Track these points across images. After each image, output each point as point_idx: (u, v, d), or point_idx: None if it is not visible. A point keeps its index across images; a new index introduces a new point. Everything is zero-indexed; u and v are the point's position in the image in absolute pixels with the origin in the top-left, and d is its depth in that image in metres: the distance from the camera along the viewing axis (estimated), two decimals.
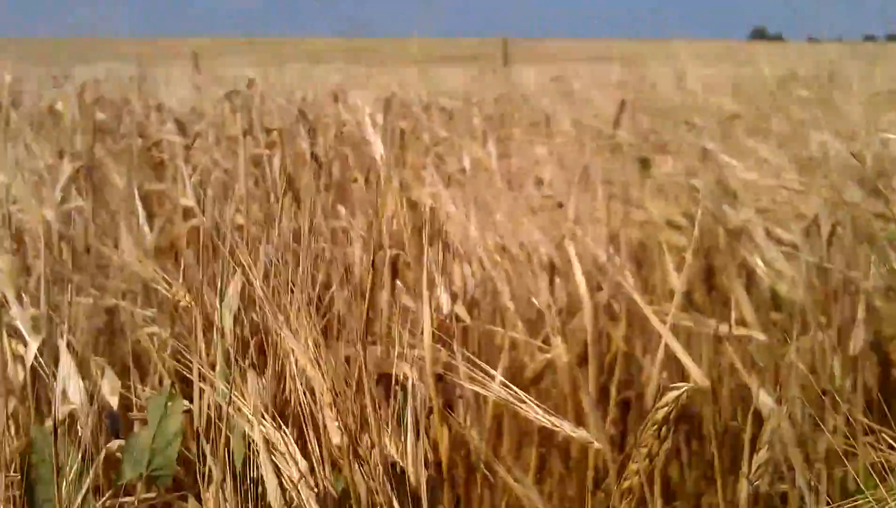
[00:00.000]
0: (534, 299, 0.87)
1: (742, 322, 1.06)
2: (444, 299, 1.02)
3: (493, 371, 0.70)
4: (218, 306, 0.87)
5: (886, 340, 1.01)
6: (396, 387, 0.98)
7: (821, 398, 0.94)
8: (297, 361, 0.75)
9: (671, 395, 0.59)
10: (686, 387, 0.59)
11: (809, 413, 0.88)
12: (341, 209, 1.52)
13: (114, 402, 0.89)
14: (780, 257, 1.06)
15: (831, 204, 1.07)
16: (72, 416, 0.81)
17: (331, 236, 1.49)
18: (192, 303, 0.87)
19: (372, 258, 1.06)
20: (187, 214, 1.45)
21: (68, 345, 0.86)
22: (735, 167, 1.30)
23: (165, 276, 0.91)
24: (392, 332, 1.17)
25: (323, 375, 0.71)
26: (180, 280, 1.08)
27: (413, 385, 0.79)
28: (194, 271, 1.16)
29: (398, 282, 1.30)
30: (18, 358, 0.93)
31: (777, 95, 2.38)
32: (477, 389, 0.70)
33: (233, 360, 0.81)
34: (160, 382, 1.08)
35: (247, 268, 0.86)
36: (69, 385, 0.84)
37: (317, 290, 1.50)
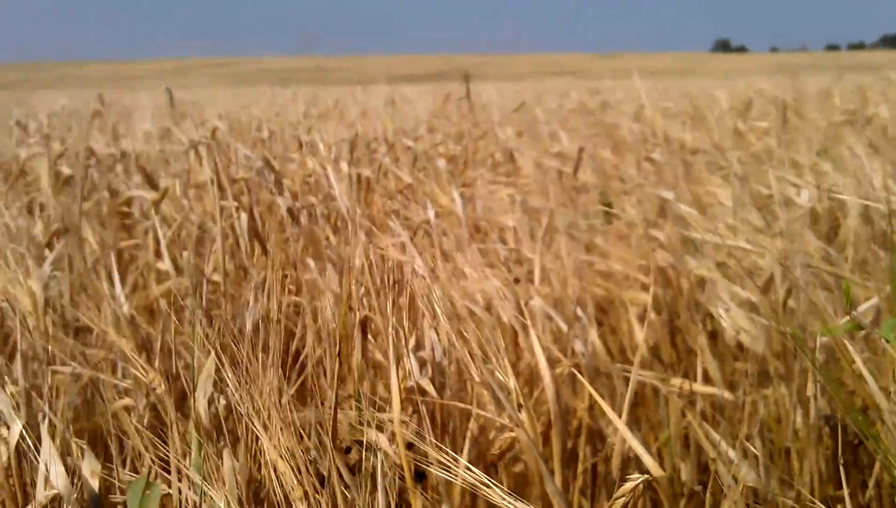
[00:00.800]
0: (497, 374, 0.89)
1: (706, 377, 1.10)
2: (412, 366, 1.05)
3: (458, 457, 0.73)
4: (192, 390, 0.89)
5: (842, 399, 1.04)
6: (368, 454, 1.00)
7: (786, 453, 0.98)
8: (268, 452, 0.77)
9: (627, 486, 0.62)
10: (641, 479, 0.62)
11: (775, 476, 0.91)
12: (311, 262, 1.54)
13: (94, 484, 0.91)
14: (740, 313, 1.09)
15: (787, 259, 1.10)
16: (55, 499, 0.83)
17: (303, 288, 1.51)
18: (166, 393, 0.89)
19: (342, 322, 1.09)
20: (161, 274, 1.47)
21: (50, 424, 0.88)
22: (694, 219, 1.33)
23: (141, 362, 0.93)
24: (361, 392, 1.20)
25: (293, 469, 0.74)
26: (155, 361, 1.10)
27: (383, 460, 0.82)
28: (169, 349, 1.18)
29: (369, 337, 1.33)
30: (2, 440, 0.94)
31: (737, 126, 2.42)
32: (442, 474, 0.72)
33: (206, 445, 0.84)
34: (139, 455, 1.10)
35: (219, 351, 0.88)
36: (51, 469, 0.85)
37: (294, 344, 1.52)
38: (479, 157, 2.26)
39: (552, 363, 0.91)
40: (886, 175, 1.40)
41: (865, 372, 0.90)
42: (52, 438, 0.85)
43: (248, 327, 1.10)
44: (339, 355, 1.22)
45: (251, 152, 2.09)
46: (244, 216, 1.63)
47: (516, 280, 1.21)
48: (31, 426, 0.96)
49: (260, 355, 0.86)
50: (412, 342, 1.15)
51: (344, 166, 1.86)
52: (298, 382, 1.30)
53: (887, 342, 0.83)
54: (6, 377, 1.03)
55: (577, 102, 3.61)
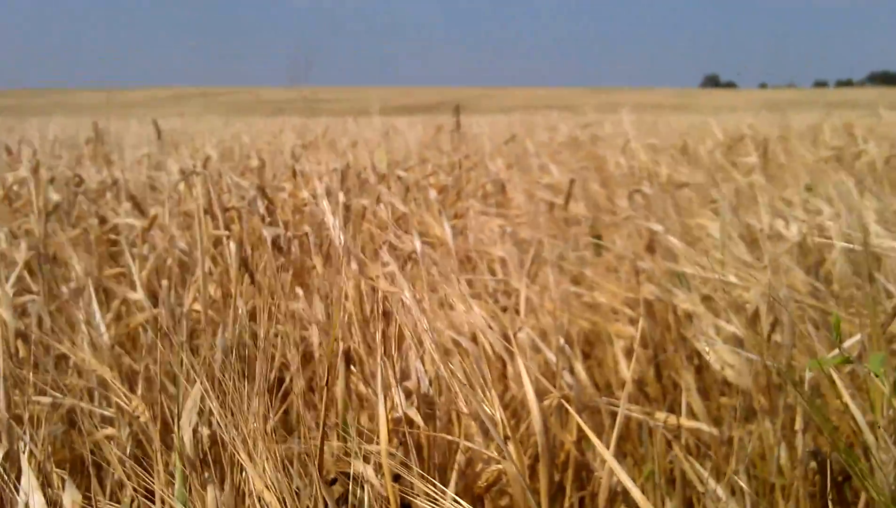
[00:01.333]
0: (484, 405, 0.89)
1: (691, 412, 1.09)
2: (399, 397, 1.04)
3: (445, 489, 0.72)
4: (175, 420, 0.88)
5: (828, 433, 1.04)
6: (354, 485, 0.99)
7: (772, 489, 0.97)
8: (253, 482, 0.76)
9: None
10: None
11: None
12: (300, 291, 1.54)
13: None
14: (726, 348, 1.09)
15: (773, 293, 1.10)
16: None
17: (290, 317, 1.50)
18: (149, 422, 0.88)
19: (329, 352, 1.08)
20: (142, 304, 1.46)
21: (30, 454, 0.87)
22: (682, 251, 1.33)
23: (123, 391, 0.92)
24: (348, 421, 1.19)
25: (279, 500, 0.73)
26: (138, 390, 1.09)
27: (369, 492, 0.81)
28: (153, 379, 1.17)
29: (353, 367, 1.32)
30: None
31: (724, 160, 2.44)
32: (429, 506, 0.71)
33: (191, 476, 0.83)
34: (121, 485, 1.09)
35: (203, 380, 0.88)
36: (32, 500, 0.84)
37: (274, 374, 1.51)
38: (470, 188, 2.26)
39: (540, 394, 0.91)
40: (873, 211, 1.40)
41: (853, 406, 0.90)
42: (33, 468, 0.84)
43: (221, 354, 1.10)
44: (325, 384, 1.22)
45: (243, 181, 2.09)
46: (233, 245, 1.63)
47: (503, 310, 1.21)
48: (11, 455, 0.95)
49: (245, 383, 0.86)
50: (399, 373, 1.14)
51: (336, 196, 1.86)
52: (282, 410, 1.30)
53: (876, 375, 0.83)
54: None
55: (568, 135, 3.63)
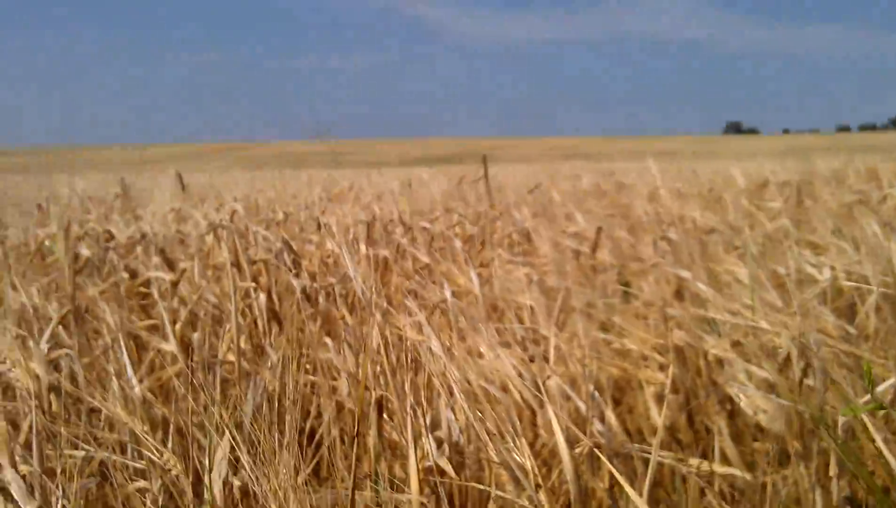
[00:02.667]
0: (515, 455, 0.89)
1: (724, 457, 1.08)
2: (430, 446, 1.04)
3: None
4: (207, 473, 0.88)
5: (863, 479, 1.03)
6: None
7: None
8: None
9: None
10: None
11: None
12: (328, 341, 1.54)
13: None
14: (758, 393, 1.08)
15: (803, 337, 1.09)
16: None
17: (320, 367, 1.51)
18: (181, 474, 0.88)
19: (359, 402, 1.08)
20: (175, 356, 1.47)
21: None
22: (711, 297, 1.33)
23: (154, 443, 0.93)
24: (379, 471, 1.19)
25: None
26: (169, 442, 1.09)
27: None
28: (184, 431, 1.18)
29: (385, 416, 1.32)
30: None
31: (750, 205, 2.44)
32: None
33: None
34: None
35: (233, 431, 0.88)
36: None
37: (309, 423, 1.52)
38: (495, 237, 2.27)
39: (571, 442, 0.90)
40: None
41: (886, 451, 0.89)
42: None
43: (253, 406, 1.10)
44: (356, 435, 1.22)
45: (269, 234, 2.11)
46: (262, 296, 1.65)
47: (531, 359, 1.21)
48: None
49: (276, 434, 0.86)
50: (429, 422, 1.14)
51: (362, 247, 1.88)
52: (314, 461, 1.30)
53: None
54: (18, 458, 1.03)
55: (592, 183, 3.64)
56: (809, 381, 1.09)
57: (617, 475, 0.82)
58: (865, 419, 0.96)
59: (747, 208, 2.34)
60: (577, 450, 0.98)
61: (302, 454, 1.37)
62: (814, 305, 1.28)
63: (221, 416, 0.93)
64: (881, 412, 1.06)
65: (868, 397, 1.04)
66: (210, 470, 0.86)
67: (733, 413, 1.24)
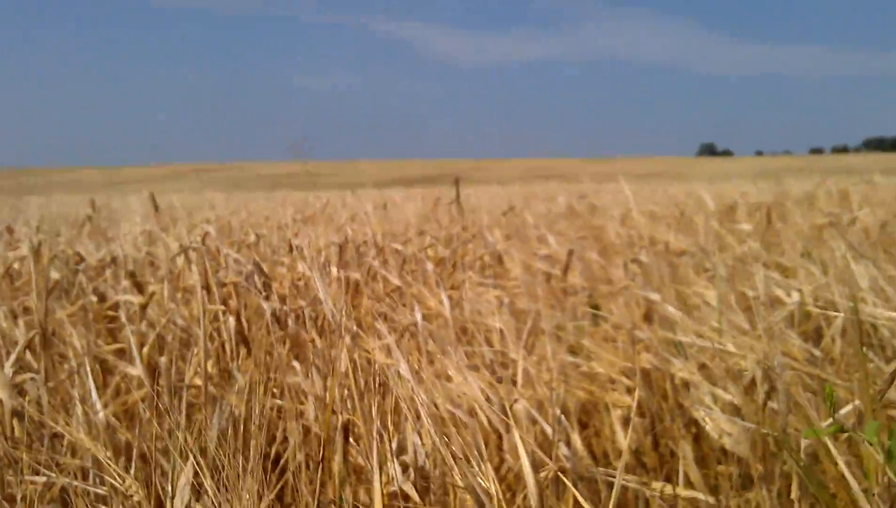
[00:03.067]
0: (480, 479, 0.88)
1: (688, 481, 1.08)
2: (396, 470, 1.04)
3: None
4: (169, 499, 0.87)
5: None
6: None
7: None
8: None
9: None
10: None
11: None
12: (297, 365, 1.54)
13: None
14: (723, 416, 1.09)
15: (768, 360, 1.10)
16: None
17: (287, 391, 1.50)
18: (143, 500, 0.88)
19: (325, 426, 1.08)
20: (142, 380, 1.46)
21: None
22: (679, 319, 1.34)
23: (117, 469, 0.92)
24: (344, 497, 1.18)
25: None
26: (132, 468, 1.08)
27: None
28: (148, 456, 1.17)
29: (351, 440, 1.32)
30: None
31: (721, 227, 2.45)
32: None
33: None
34: None
35: (197, 456, 0.87)
36: None
37: (274, 447, 1.50)
38: (467, 259, 2.27)
39: (536, 466, 0.90)
40: (867, 278, 1.41)
41: (848, 474, 0.90)
42: None
43: (218, 430, 1.09)
44: (321, 459, 1.21)
45: (240, 256, 2.10)
46: (231, 320, 1.64)
47: (499, 380, 1.21)
48: None
49: (240, 460, 0.86)
50: (395, 446, 1.14)
51: (333, 270, 1.87)
52: (278, 487, 1.29)
53: (870, 444, 0.83)
54: None
55: (565, 205, 3.66)
56: (774, 404, 1.09)
57: (581, 499, 0.82)
58: (828, 442, 0.96)
59: (718, 230, 2.36)
60: (543, 474, 0.98)
61: (266, 479, 1.36)
62: (781, 328, 1.29)
63: (186, 441, 0.92)
64: (844, 436, 1.06)
65: (831, 420, 1.05)
66: (172, 497, 0.85)
67: (698, 436, 1.25)
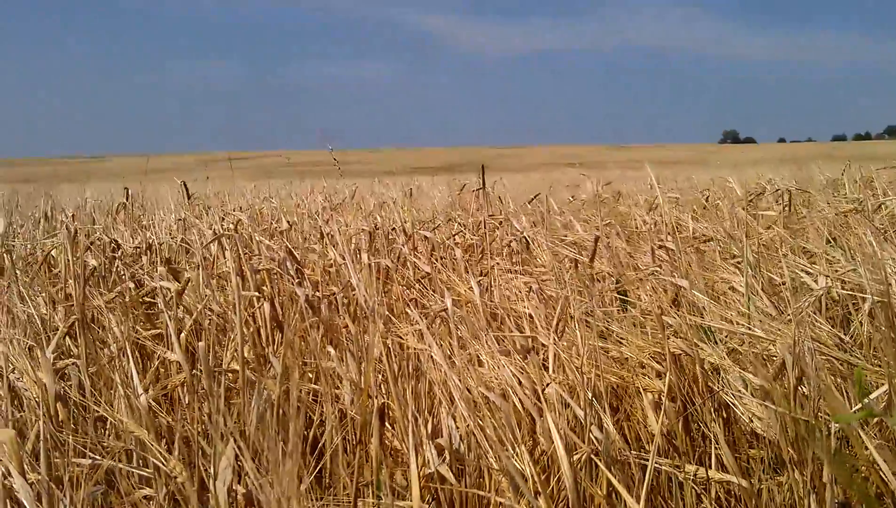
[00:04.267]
0: (515, 462, 0.91)
1: (720, 464, 1.10)
2: (431, 453, 1.06)
3: None
4: (211, 481, 0.90)
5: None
6: None
7: None
8: None
9: None
10: None
11: None
12: (331, 350, 1.56)
13: None
14: (753, 400, 1.10)
15: (797, 345, 1.11)
16: None
17: (322, 376, 1.52)
18: (186, 482, 0.91)
19: (362, 410, 1.10)
20: (180, 365, 1.49)
21: None
22: (707, 305, 1.35)
23: (160, 450, 0.95)
24: (381, 479, 1.21)
25: None
26: (175, 451, 1.11)
27: None
28: (190, 439, 1.20)
29: (387, 424, 1.34)
30: None
31: (746, 213, 2.46)
32: None
33: None
34: None
35: (237, 439, 0.90)
36: None
37: (311, 431, 1.53)
38: (495, 246, 2.29)
39: (570, 449, 0.92)
40: (894, 262, 1.42)
41: (879, 458, 0.91)
42: None
43: (257, 414, 1.12)
44: (357, 442, 1.24)
45: (273, 243, 2.13)
46: (266, 305, 1.67)
47: (525, 357, 1.23)
48: None
49: (279, 443, 0.88)
50: (430, 429, 1.16)
51: (364, 257, 1.90)
52: (317, 469, 1.32)
53: None
54: (26, 466, 1.05)
55: (591, 192, 3.67)
56: (804, 388, 1.11)
57: (615, 482, 0.85)
58: (857, 427, 0.98)
59: (744, 216, 2.36)
60: (576, 457, 1.00)
61: (305, 462, 1.40)
62: (809, 313, 1.30)
63: (226, 424, 0.95)
64: (874, 420, 1.08)
65: (860, 405, 1.06)
66: (215, 478, 0.88)
67: (729, 421, 1.26)
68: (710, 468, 1.11)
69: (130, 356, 1.34)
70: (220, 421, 0.93)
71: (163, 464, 0.96)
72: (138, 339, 1.57)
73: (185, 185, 3.32)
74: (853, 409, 1.13)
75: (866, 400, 1.02)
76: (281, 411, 1.37)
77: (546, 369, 1.26)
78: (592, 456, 0.97)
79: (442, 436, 1.13)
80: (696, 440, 1.26)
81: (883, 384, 1.07)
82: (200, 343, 1.41)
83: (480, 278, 1.91)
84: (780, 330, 1.15)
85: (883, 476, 0.94)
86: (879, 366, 1.14)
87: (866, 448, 0.99)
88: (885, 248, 1.56)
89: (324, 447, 1.42)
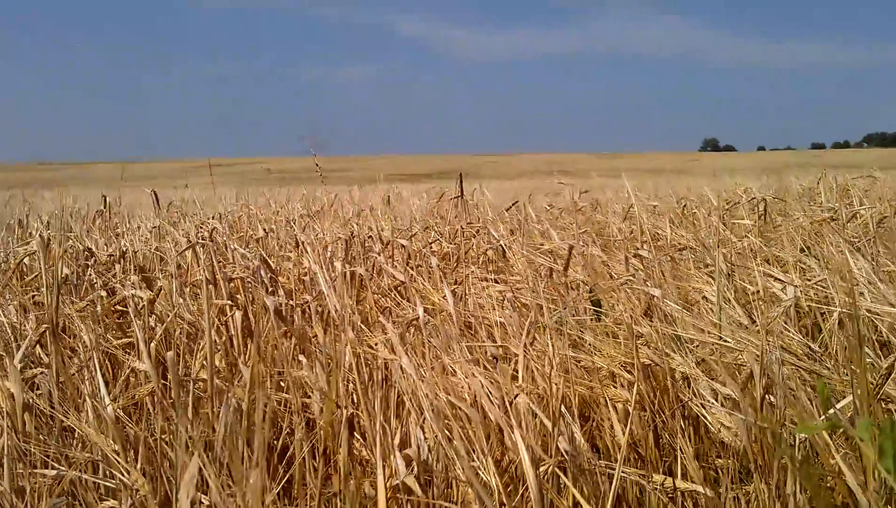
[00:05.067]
0: (481, 474, 0.90)
1: (688, 475, 1.10)
2: (399, 464, 1.06)
3: None
4: (175, 492, 0.89)
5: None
6: None
7: None
8: None
9: None
10: None
11: None
12: (302, 359, 1.55)
13: None
14: (722, 410, 1.10)
15: (765, 355, 1.11)
16: None
17: (292, 385, 1.52)
18: (148, 495, 0.90)
19: (328, 420, 1.09)
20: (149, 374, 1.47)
21: None
22: (679, 315, 1.35)
23: (123, 464, 0.94)
24: (349, 489, 1.20)
25: None
26: (139, 462, 1.10)
27: None
28: (155, 450, 1.19)
29: (356, 434, 1.34)
30: None
31: (721, 223, 2.47)
32: None
33: None
34: None
35: (202, 452, 0.89)
36: None
37: (281, 440, 1.52)
38: (471, 254, 2.29)
39: (536, 461, 0.92)
40: (865, 273, 1.42)
41: (844, 468, 0.91)
42: None
43: (225, 425, 1.11)
44: (324, 452, 1.23)
45: (248, 251, 2.12)
46: (238, 314, 1.66)
47: (494, 364, 1.22)
48: None
49: (245, 454, 0.87)
50: (398, 440, 1.16)
51: (338, 265, 1.89)
52: (286, 477, 1.31)
53: (862, 441, 0.85)
54: None
55: (569, 200, 3.68)
56: (772, 398, 1.11)
57: (578, 495, 0.84)
58: (825, 436, 0.98)
59: (719, 225, 2.37)
60: (542, 469, 1.00)
61: (274, 471, 1.39)
62: (779, 323, 1.30)
63: (190, 436, 0.94)
64: (841, 430, 1.08)
65: (825, 416, 1.06)
66: (177, 491, 0.87)
67: (699, 430, 1.26)
68: (679, 477, 1.10)
69: (98, 366, 1.33)
70: (184, 433, 0.92)
71: (125, 477, 0.95)
72: (108, 348, 1.56)
73: (155, 194, 3.30)
74: (821, 419, 1.13)
75: (833, 410, 1.02)
76: (248, 421, 1.36)
77: (517, 378, 1.26)
78: (556, 469, 0.97)
79: (412, 446, 1.13)
80: (666, 451, 1.26)
81: (851, 394, 1.07)
82: (169, 353, 1.40)
83: (455, 286, 1.91)
84: (749, 340, 1.15)
85: (849, 486, 0.95)
86: (846, 376, 1.14)
87: (833, 458, 0.99)
88: (856, 257, 1.56)
89: (293, 456, 1.41)
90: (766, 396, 1.10)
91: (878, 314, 1.28)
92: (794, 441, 1.07)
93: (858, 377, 0.98)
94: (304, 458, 1.34)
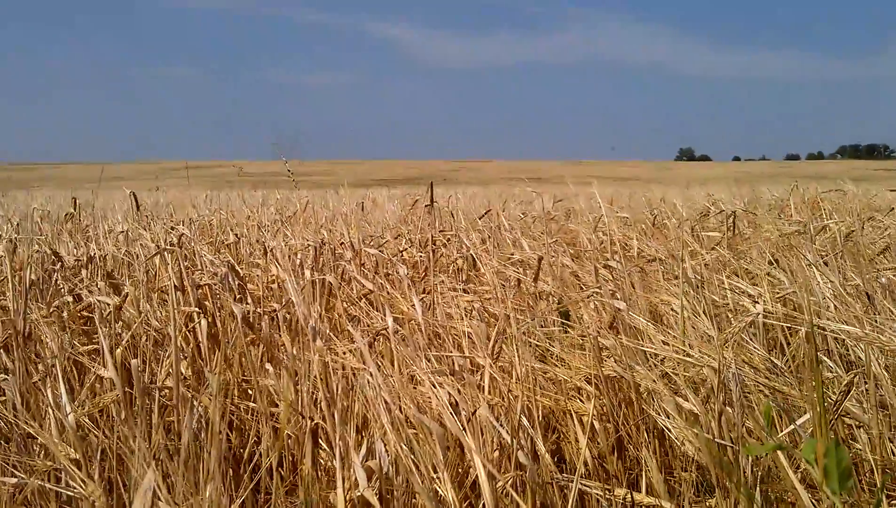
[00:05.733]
0: (437, 488, 0.90)
1: (651, 487, 1.11)
2: (360, 476, 1.05)
3: None
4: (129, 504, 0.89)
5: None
6: None
7: None
8: None
9: None
10: None
11: None
12: (270, 367, 1.55)
13: None
14: (684, 424, 1.11)
15: (725, 370, 1.12)
16: None
17: (259, 393, 1.51)
18: (104, 507, 0.89)
19: (293, 429, 1.09)
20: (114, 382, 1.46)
21: None
22: (644, 327, 1.36)
23: (80, 474, 0.93)
24: (310, 500, 1.20)
25: None
26: (97, 472, 1.09)
27: None
28: (121, 457, 1.18)
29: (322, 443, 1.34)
30: None
31: (691, 234, 2.48)
32: None
33: None
34: None
35: (163, 461, 0.89)
36: None
37: (248, 448, 1.52)
38: (441, 263, 2.29)
39: (492, 476, 0.92)
40: (830, 287, 1.44)
41: (798, 485, 0.92)
42: None
43: (190, 435, 1.11)
44: (281, 463, 1.22)
45: (217, 257, 2.11)
46: (204, 322, 1.65)
47: (455, 374, 1.22)
48: None
49: (203, 465, 0.87)
50: (363, 451, 1.15)
51: (307, 273, 1.89)
52: (252, 485, 1.30)
53: (808, 462, 0.85)
54: None
55: (542, 209, 3.69)
56: (731, 412, 1.11)
57: None
58: (780, 455, 0.99)
59: (688, 237, 2.38)
60: (500, 484, 1.00)
61: (240, 480, 1.38)
62: (743, 337, 1.31)
63: (150, 445, 0.93)
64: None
65: (788, 429, 1.07)
66: (131, 503, 0.87)
67: (663, 443, 1.27)
68: (642, 491, 1.11)
69: (64, 373, 1.32)
70: (143, 445, 0.91)
71: (81, 488, 0.94)
72: (73, 354, 1.55)
73: (133, 195, 3.28)
74: (781, 433, 1.14)
75: (789, 426, 1.03)
76: (215, 429, 1.36)
77: (481, 390, 1.26)
78: (510, 487, 0.97)
79: (375, 458, 1.13)
80: (629, 464, 1.27)
81: (809, 412, 1.08)
82: (134, 360, 1.39)
83: (424, 295, 1.91)
84: (709, 355, 1.16)
85: (803, 502, 0.96)
86: (805, 391, 1.15)
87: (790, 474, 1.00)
88: (823, 272, 1.58)
89: (260, 462, 1.40)
90: (726, 410, 1.11)
91: (835, 333, 1.30)
92: (752, 458, 1.07)
93: (815, 394, 0.99)
94: (270, 467, 1.34)
